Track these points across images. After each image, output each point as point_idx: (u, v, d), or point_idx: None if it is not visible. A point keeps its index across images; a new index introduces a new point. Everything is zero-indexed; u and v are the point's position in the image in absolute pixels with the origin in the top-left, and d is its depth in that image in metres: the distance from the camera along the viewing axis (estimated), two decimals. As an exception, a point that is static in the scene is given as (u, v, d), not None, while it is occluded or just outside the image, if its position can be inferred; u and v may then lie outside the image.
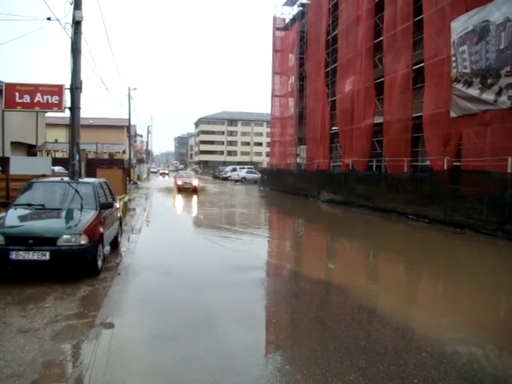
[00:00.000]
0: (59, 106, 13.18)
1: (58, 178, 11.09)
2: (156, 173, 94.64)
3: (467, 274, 9.92)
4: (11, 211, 8.64)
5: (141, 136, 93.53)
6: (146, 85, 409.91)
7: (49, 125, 44.74)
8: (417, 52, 21.48)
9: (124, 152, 47.93)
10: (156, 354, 5.16)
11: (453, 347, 5.49)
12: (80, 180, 10.56)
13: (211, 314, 6.60)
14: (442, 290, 9.10)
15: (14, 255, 7.39)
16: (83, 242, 7.76)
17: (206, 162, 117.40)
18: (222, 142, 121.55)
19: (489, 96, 16.10)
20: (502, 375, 4.81)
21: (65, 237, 7.66)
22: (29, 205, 8.93)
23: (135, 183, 43.95)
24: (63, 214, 8.61)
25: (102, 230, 8.71)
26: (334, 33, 31.26)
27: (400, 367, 4.81)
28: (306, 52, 37.34)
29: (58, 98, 13.10)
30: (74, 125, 12.66)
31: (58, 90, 13.19)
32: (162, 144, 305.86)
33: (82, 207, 8.86)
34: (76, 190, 9.19)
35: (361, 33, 26.44)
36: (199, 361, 4.93)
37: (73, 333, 5.61)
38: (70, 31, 12.63)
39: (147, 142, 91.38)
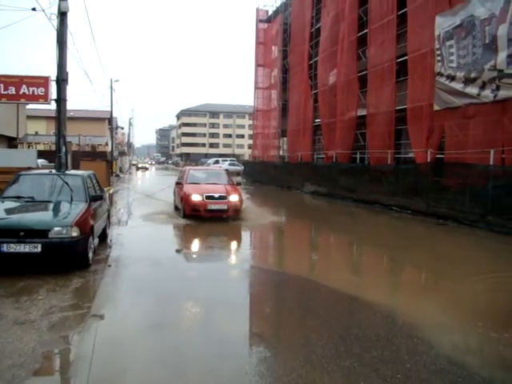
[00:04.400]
0: (45, 98, 13.10)
1: (47, 171, 11.04)
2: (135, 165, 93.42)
3: (449, 262, 10.11)
4: (1, 204, 8.60)
5: (122, 128, 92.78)
6: (127, 77, 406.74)
7: (29, 117, 44.16)
8: (400, 45, 21.64)
9: (106, 144, 47.49)
10: (153, 342, 5.29)
11: (441, 333, 5.65)
12: (69, 172, 10.55)
13: (202, 304, 6.71)
14: (425, 278, 9.29)
15: (5, 248, 7.38)
16: (75, 234, 7.78)
17: (188, 155, 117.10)
18: (204, 135, 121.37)
19: (472, 90, 16.34)
20: (488, 359, 4.98)
21: (56, 229, 7.67)
22: (18, 197, 8.91)
23: (117, 176, 43.68)
24: (53, 206, 8.61)
25: (92, 222, 8.73)
26: (318, 25, 31.32)
27: (393, 352, 4.97)
28: (290, 44, 37.33)
29: (43, 89, 13.02)
30: (60, 117, 12.60)
31: (43, 81, 13.10)
32: (143, 136, 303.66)
33: (71, 199, 8.85)
34: (66, 183, 9.18)
35: (344, 26, 26.52)
36: (195, 347, 5.04)
37: (69, 324, 5.66)
38: (55, 22, 12.53)
39: (129, 135, 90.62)
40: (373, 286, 8.09)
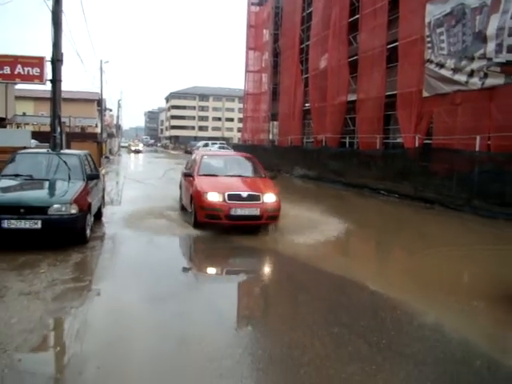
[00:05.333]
0: (40, 79, 13.17)
1: (45, 150, 11.24)
2: (126, 147, 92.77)
3: (433, 243, 10.48)
4: (0, 181, 8.79)
5: (111, 110, 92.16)
6: (116, 58, 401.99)
7: (16, 97, 43.80)
8: (391, 31, 21.83)
9: (96, 126, 47.33)
10: (150, 311, 5.63)
11: (422, 307, 5.99)
12: (66, 151, 10.75)
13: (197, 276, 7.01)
14: (410, 258, 9.56)
15: (6, 224, 7.60)
16: (73, 211, 8.01)
17: (177, 137, 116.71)
18: (194, 117, 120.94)
19: (461, 77, 16.66)
20: (466, 330, 5.34)
21: (55, 206, 7.91)
22: (16, 175, 9.11)
23: (107, 158, 43.61)
24: (52, 184, 8.83)
25: (90, 200, 8.97)
26: (310, 10, 31.36)
27: (378, 323, 5.32)
28: (281, 28, 37.34)
29: (38, 70, 13.08)
30: (55, 98, 12.72)
31: (38, 62, 13.16)
32: (131, 119, 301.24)
33: (69, 178, 9.07)
34: (64, 161, 9.39)
35: (336, 10, 26.63)
36: (193, 316, 5.35)
37: (72, 295, 5.92)
38: (50, 3, 12.59)
39: (118, 117, 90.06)
40: (361, 265, 8.39)
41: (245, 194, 10.04)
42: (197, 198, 10.12)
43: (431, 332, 5.13)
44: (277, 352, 4.47)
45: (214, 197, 9.86)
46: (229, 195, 9.83)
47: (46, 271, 6.78)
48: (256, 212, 9.86)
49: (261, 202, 9.97)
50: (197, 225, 10.11)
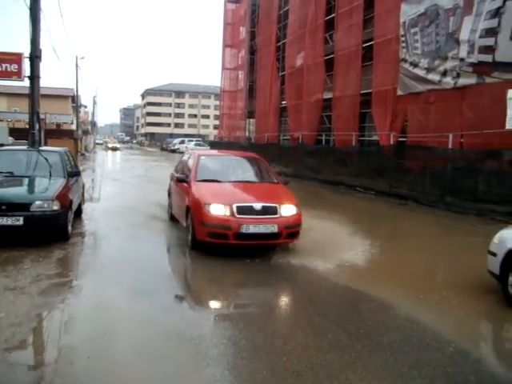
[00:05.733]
0: (18, 75, 13.10)
1: (25, 147, 11.24)
2: (102, 144, 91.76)
3: (406, 236, 10.84)
4: (-20, 178, 8.80)
5: (85, 107, 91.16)
6: (91, 54, 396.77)
7: (-14, 93, 42.95)
8: (367, 30, 22.19)
9: (72, 123, 46.84)
10: (134, 304, 5.79)
11: (396, 298, 6.22)
12: (46, 148, 10.76)
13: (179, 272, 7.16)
14: (382, 250, 9.74)
15: (-13, 220, 7.63)
16: (55, 207, 8.07)
17: (152, 134, 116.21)
18: (169, 114, 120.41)
19: (434, 76, 17.07)
20: (439, 319, 5.60)
21: (37, 203, 7.96)
22: (-4, 172, 9.11)
23: (83, 155, 43.31)
24: (34, 181, 8.87)
25: (71, 197, 9.04)
26: (286, 8, 31.60)
27: (355, 313, 5.57)
28: (258, 26, 37.52)
29: (16, 66, 13.02)
30: (33, 94, 12.66)
31: (16, 58, 13.08)
32: (107, 115, 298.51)
33: (50, 175, 9.10)
34: (45, 158, 9.41)
35: (312, 9, 26.91)
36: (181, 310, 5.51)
37: (57, 290, 6.04)
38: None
39: (93, 113, 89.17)
40: (337, 257, 8.56)
41: (258, 206, 7.91)
42: (196, 210, 8.05)
43: (406, 322, 5.38)
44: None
45: (218, 210, 7.79)
46: (238, 208, 7.78)
47: (30, 267, 6.85)
48: (273, 229, 7.78)
49: (278, 215, 7.96)
50: (196, 245, 8.10)
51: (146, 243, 9.16)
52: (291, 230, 8.08)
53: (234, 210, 7.73)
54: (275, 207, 8.02)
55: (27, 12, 12.57)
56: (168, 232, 10.32)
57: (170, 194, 11.35)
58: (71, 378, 3.88)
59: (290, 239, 8.29)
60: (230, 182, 9.08)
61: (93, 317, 5.29)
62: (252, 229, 7.66)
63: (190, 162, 9.85)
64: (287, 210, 8.13)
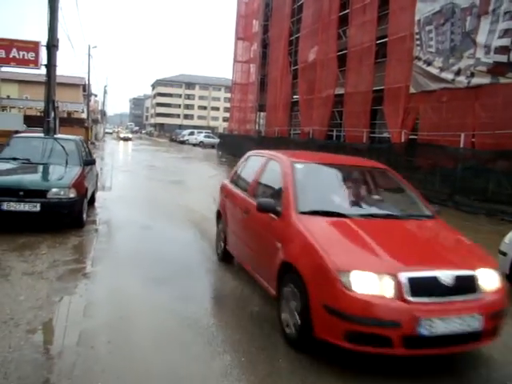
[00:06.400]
0: (35, 63, 13.28)
1: (41, 134, 11.39)
2: (111, 134, 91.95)
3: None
4: (-2, 164, 8.95)
5: (96, 96, 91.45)
6: (102, 43, 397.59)
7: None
8: (381, 27, 22.16)
9: (82, 111, 47.11)
10: (150, 289, 5.91)
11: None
12: (62, 136, 10.89)
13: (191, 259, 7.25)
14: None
15: (5, 206, 7.76)
16: (72, 195, 8.22)
17: (161, 125, 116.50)
18: (179, 105, 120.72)
19: (448, 75, 17.05)
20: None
21: (54, 190, 8.11)
22: (14, 159, 9.26)
23: (93, 143, 43.52)
24: (50, 168, 9.04)
25: (86, 184, 9.19)
26: (300, 2, 31.54)
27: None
28: (271, 19, 37.48)
29: (34, 54, 13.19)
30: (50, 82, 12.83)
31: (34, 46, 13.26)
32: (116, 105, 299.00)
33: (67, 163, 9.24)
34: (62, 146, 9.55)
35: (326, 4, 26.87)
36: (194, 299, 5.61)
37: (75, 275, 6.19)
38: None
39: (103, 103, 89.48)
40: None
41: (447, 277, 4.01)
42: (316, 281, 4.17)
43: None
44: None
45: (369, 284, 3.99)
46: (411, 281, 3.98)
47: (47, 252, 7.01)
48: (475, 322, 3.98)
49: (478, 293, 4.16)
50: (309, 344, 4.32)
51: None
52: (497, 322, 4.26)
53: (404, 285, 3.92)
54: (472, 277, 4.18)
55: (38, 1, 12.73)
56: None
57: (221, 218, 7.36)
58: (92, 361, 4.00)
59: (492, 337, 4.28)
60: (361, 216, 5.08)
61: (110, 302, 5.41)
62: (440, 326, 3.87)
63: (275, 175, 5.81)
64: (487, 279, 4.28)
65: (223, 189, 7.71)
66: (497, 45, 14.87)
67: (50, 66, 12.78)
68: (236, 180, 7.42)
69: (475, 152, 15.36)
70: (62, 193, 8.13)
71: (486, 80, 15.42)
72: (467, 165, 14.96)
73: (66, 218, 8.37)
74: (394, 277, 3.91)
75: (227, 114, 63.99)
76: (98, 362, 3.97)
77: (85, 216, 8.96)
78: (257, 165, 6.68)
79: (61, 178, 8.53)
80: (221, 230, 7.30)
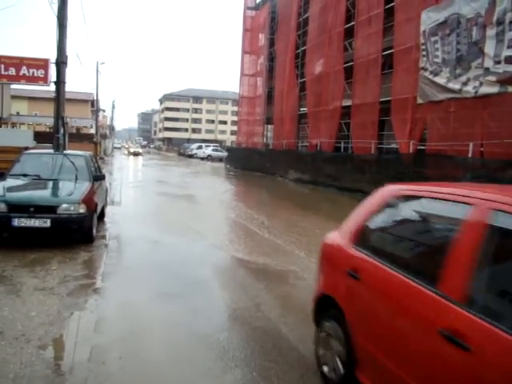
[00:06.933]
0: (45, 80, 13.45)
1: (51, 150, 11.50)
2: (120, 149, 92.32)
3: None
4: (9, 180, 9.04)
5: (104, 111, 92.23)
6: (110, 58, 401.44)
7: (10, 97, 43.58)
8: (387, 38, 22.20)
9: (91, 127, 47.46)
10: (160, 305, 5.91)
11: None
12: (72, 152, 10.97)
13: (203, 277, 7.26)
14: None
15: (16, 222, 7.84)
16: (82, 210, 8.28)
17: (170, 139, 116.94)
18: (187, 120, 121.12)
19: (455, 85, 17.01)
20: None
21: (64, 205, 8.17)
22: (24, 175, 9.35)
23: (102, 158, 43.75)
24: (60, 184, 9.12)
25: (96, 200, 9.24)
26: (306, 15, 31.69)
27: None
28: (277, 33, 37.62)
29: (43, 71, 13.37)
30: (59, 99, 12.99)
31: (43, 63, 13.44)
32: (124, 120, 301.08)
33: (76, 178, 9.32)
34: (71, 162, 9.63)
35: (332, 17, 27.00)
36: (204, 313, 5.61)
37: (85, 290, 6.21)
38: (55, 6, 12.82)
39: (112, 118, 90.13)
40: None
41: None
42: None
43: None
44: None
45: None
46: None
47: (58, 268, 7.05)
48: None
49: None
50: None
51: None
52: None
53: None
54: None
55: (47, 18, 12.88)
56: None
57: (335, 315, 3.95)
58: (104, 377, 4.00)
59: None
60: None
61: (121, 318, 5.43)
62: None
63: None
64: None
65: (340, 258, 4.25)
66: (506, 54, 14.81)
67: (59, 82, 12.95)
68: (376, 243, 4.04)
69: (484, 161, 15.30)
70: (71, 208, 8.19)
71: (494, 89, 15.36)
72: (476, 174, 14.85)
73: (75, 233, 8.43)
74: None
75: (235, 128, 64.18)
76: (110, 377, 3.98)
77: (94, 231, 9.01)
78: (410, 211, 3.96)
79: (70, 194, 8.59)
80: (335, 339, 3.87)
